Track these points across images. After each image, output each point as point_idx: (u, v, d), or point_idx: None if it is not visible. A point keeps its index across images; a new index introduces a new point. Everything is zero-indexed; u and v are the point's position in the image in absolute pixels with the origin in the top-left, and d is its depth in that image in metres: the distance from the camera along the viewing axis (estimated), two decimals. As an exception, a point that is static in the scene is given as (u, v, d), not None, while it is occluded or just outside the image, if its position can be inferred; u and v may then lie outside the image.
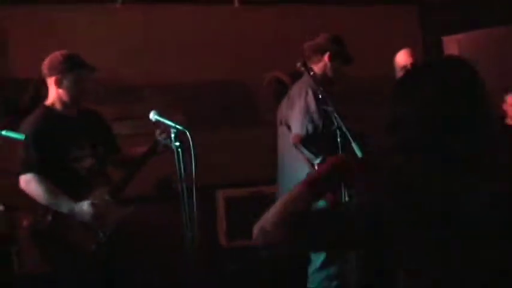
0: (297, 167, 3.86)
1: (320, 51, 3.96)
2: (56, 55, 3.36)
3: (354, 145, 3.21)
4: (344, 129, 3.24)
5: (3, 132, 2.93)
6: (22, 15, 4.77)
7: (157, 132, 3.44)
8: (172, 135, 3.20)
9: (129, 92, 5.13)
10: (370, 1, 6.01)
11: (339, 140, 3.28)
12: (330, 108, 3.31)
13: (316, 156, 3.71)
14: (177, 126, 3.20)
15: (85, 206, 3.26)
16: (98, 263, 3.33)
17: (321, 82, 3.55)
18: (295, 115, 3.80)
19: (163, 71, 5.20)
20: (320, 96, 3.42)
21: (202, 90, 5.33)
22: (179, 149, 3.18)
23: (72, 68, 3.33)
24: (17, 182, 3.30)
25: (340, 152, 3.29)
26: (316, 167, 3.72)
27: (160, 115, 3.29)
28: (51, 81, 3.36)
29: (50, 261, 3.38)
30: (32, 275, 4.00)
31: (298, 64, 3.55)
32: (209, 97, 5.36)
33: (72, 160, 3.35)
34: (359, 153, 3.20)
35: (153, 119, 3.31)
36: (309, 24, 5.55)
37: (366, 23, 5.93)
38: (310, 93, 3.75)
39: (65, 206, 3.25)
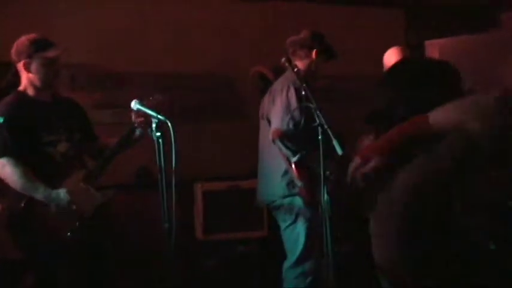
0: (275, 163, 3.89)
1: (306, 47, 3.98)
2: (22, 40, 3.31)
3: (334, 143, 3.22)
4: (325, 126, 3.25)
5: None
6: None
7: (133, 119, 3.40)
8: (154, 125, 3.16)
9: (112, 80, 5.12)
10: (360, 2, 6.07)
11: (320, 137, 3.28)
12: (312, 105, 3.32)
13: (294, 153, 3.74)
14: (159, 117, 3.17)
15: (61, 193, 3.24)
16: (73, 250, 3.31)
17: (305, 78, 3.55)
18: (276, 110, 3.81)
19: (148, 59, 5.20)
20: (303, 93, 3.43)
21: (187, 81, 5.33)
22: (159, 140, 3.15)
23: (38, 50, 3.27)
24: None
25: (320, 150, 3.28)
26: (292, 165, 3.75)
27: (142, 104, 3.26)
28: (20, 66, 3.32)
29: (22, 247, 3.35)
30: (5, 260, 3.95)
31: (283, 60, 3.57)
32: (194, 88, 5.35)
33: (46, 144, 3.31)
34: (339, 151, 3.21)
35: (135, 108, 3.28)
36: (298, 21, 5.55)
37: (354, 23, 5.99)
38: (292, 89, 3.77)
39: (41, 192, 3.22)
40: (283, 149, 3.77)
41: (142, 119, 3.34)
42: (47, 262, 3.27)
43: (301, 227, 3.87)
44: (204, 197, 5.07)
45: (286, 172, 3.87)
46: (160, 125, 3.15)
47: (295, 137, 3.73)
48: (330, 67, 5.54)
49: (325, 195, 3.34)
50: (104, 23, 5.05)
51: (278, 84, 3.95)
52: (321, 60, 4.02)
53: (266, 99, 4.03)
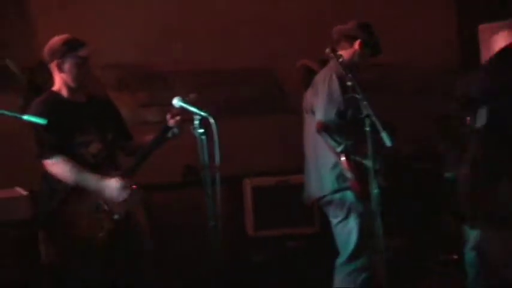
0: (323, 156, 3.78)
1: (350, 38, 3.85)
2: (55, 40, 3.34)
3: (383, 135, 3.11)
4: (373, 118, 3.14)
5: (25, 117, 2.92)
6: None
7: (168, 118, 3.39)
8: (196, 122, 3.13)
9: (157, 79, 5.11)
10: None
11: (367, 129, 3.17)
12: (358, 96, 3.21)
13: (339, 144, 3.61)
14: (202, 113, 3.13)
15: (112, 181, 3.26)
16: (103, 250, 3.31)
17: (350, 68, 3.44)
18: (319, 101, 3.70)
19: (192, 56, 5.17)
20: (348, 83, 3.31)
21: (233, 77, 5.29)
22: (202, 136, 3.11)
23: (71, 50, 3.29)
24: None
25: (369, 142, 3.18)
26: (341, 157, 3.63)
27: (184, 101, 3.23)
28: (53, 67, 3.34)
29: (55, 246, 3.42)
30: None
31: (327, 50, 3.47)
32: (240, 83, 5.30)
33: (78, 145, 3.32)
34: (388, 143, 3.10)
35: (177, 105, 3.26)
36: (341, 11, 5.47)
37: (402, 10, 5.81)
38: (334, 78, 3.65)
39: (93, 181, 3.25)
40: (330, 140, 3.64)
41: (178, 118, 3.34)
42: (78, 261, 3.29)
43: (353, 223, 3.75)
44: (254, 193, 5.02)
45: (335, 165, 3.73)
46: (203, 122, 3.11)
47: (342, 128, 3.61)
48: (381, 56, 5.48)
49: (376, 189, 3.23)
50: (146, 21, 5.04)
51: (321, 75, 3.84)
52: (366, 53, 3.86)
53: (309, 91, 3.93)
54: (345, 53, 3.75)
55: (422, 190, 5.27)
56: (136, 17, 5.02)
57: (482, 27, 5.82)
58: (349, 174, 3.64)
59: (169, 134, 3.42)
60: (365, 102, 3.19)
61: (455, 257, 4.95)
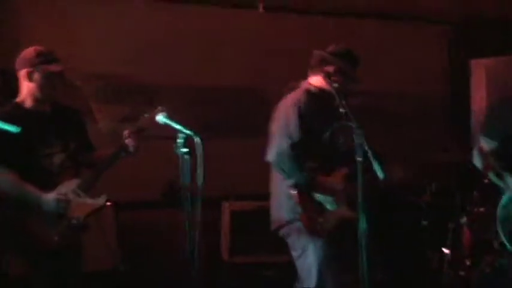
0: (280, 182, 3.61)
1: (325, 63, 3.64)
2: (29, 49, 3.32)
3: (375, 166, 2.99)
4: (366, 147, 3.01)
5: (-2, 123, 2.79)
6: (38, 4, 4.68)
7: (125, 135, 3.39)
8: (181, 141, 2.99)
9: (140, 93, 4.98)
10: (400, 16, 5.83)
11: (359, 159, 3.04)
12: (352, 124, 3.08)
13: (290, 176, 3.47)
14: (186, 131, 3.01)
15: (50, 197, 3.20)
16: (55, 256, 3.24)
17: (343, 95, 3.30)
18: (275, 130, 3.57)
19: (177, 72, 5.06)
20: (341, 110, 3.19)
21: (216, 96, 5.17)
22: (186, 156, 2.97)
23: (43, 62, 3.27)
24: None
25: (359, 173, 3.05)
26: (290, 188, 3.48)
27: (168, 118, 3.10)
28: (22, 75, 3.30)
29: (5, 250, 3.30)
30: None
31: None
32: (222, 103, 5.19)
33: (42, 157, 3.28)
34: (381, 175, 2.98)
35: (161, 122, 3.12)
36: (333, 36, 5.38)
37: (394, 38, 5.76)
38: (294, 108, 3.50)
39: (32, 195, 3.19)
40: (280, 171, 3.50)
41: (135, 142, 3.35)
42: (27, 266, 3.22)
43: (311, 258, 3.53)
44: (232, 217, 4.85)
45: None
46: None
47: (295, 159, 3.43)
48: (370, 84, 5.40)
49: (363, 224, 3.11)
50: (133, 34, 4.94)
51: (285, 101, 3.65)
52: (340, 80, 3.58)
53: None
54: (317, 79, 3.62)
55: (408, 224, 5.18)
56: (123, 29, 4.92)
57: (475, 62, 5.81)
58: (298, 208, 3.47)
59: (123, 154, 3.41)
60: (359, 131, 3.07)
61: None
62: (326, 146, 3.52)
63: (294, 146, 3.42)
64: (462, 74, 5.95)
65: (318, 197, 3.46)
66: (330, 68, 3.60)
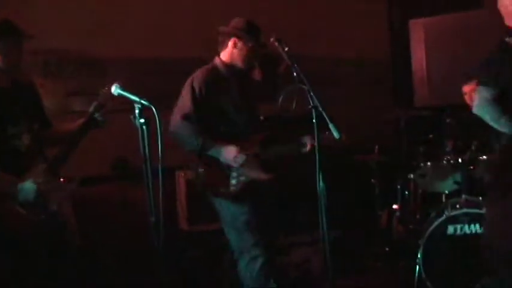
0: None
1: (226, 36, 3.84)
2: None
3: (330, 126, 3.06)
4: (320, 109, 3.07)
5: None
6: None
7: (93, 106, 3.32)
8: (137, 111, 2.95)
9: (89, 66, 4.88)
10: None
11: (314, 120, 3.10)
12: (305, 87, 3.14)
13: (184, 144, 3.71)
14: (142, 102, 2.96)
15: (27, 184, 3.08)
16: (36, 245, 3.15)
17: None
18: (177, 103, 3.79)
19: (124, 44, 4.97)
20: (294, 74, 3.24)
21: (167, 66, 5.10)
22: (144, 127, 2.94)
23: (6, 32, 3.17)
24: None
25: (316, 134, 3.12)
26: None
27: (123, 89, 3.05)
28: None
29: None
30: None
31: (272, 39, 3.38)
32: (174, 73, 5.11)
33: (11, 137, 3.16)
34: (336, 135, 3.05)
35: (115, 93, 3.07)
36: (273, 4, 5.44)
37: (335, 3, 5.82)
38: (189, 86, 3.75)
39: (6, 185, 3.07)
40: (176, 141, 3.71)
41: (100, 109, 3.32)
42: (7, 256, 3.11)
43: (223, 216, 3.82)
44: (187, 186, 4.85)
45: None
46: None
47: (185, 128, 3.67)
48: (311, 50, 5.46)
49: (321, 183, 3.17)
50: (80, 6, 4.82)
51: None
52: (245, 49, 3.80)
53: None
54: (224, 53, 3.82)
55: (357, 183, 5.31)
56: (71, 3, 4.80)
57: (413, 22, 5.92)
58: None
59: (93, 125, 3.35)
60: (311, 94, 3.12)
61: (386, 249, 5.04)
62: (237, 116, 3.77)
63: (185, 117, 3.64)
64: (401, 35, 6.08)
65: (224, 160, 3.67)
66: (233, 41, 3.78)
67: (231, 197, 3.69)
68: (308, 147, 3.73)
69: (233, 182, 3.70)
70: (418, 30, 5.89)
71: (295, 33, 5.13)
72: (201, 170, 3.73)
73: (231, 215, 3.75)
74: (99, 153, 4.68)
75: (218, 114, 3.75)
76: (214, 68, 3.83)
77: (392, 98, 6.17)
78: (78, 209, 4.46)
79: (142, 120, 2.93)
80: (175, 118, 3.68)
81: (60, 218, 3.28)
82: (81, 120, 3.38)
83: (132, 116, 3.01)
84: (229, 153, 3.65)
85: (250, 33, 3.80)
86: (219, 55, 3.85)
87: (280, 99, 3.50)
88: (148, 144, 2.91)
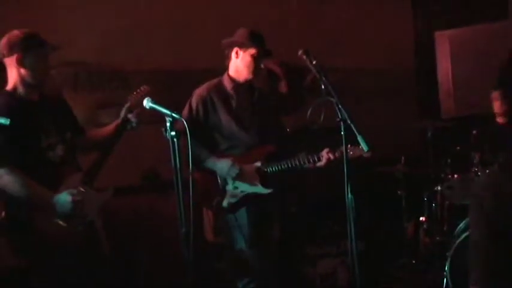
0: None
1: (228, 47, 3.84)
2: (15, 33, 3.14)
3: (359, 138, 3.06)
4: (349, 122, 3.08)
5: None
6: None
7: (124, 111, 3.44)
8: (168, 124, 3.00)
9: (116, 78, 4.93)
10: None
11: (342, 133, 3.11)
12: (333, 99, 3.14)
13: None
14: (173, 115, 3.01)
15: (62, 196, 3.09)
16: (76, 255, 3.16)
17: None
18: None
19: (151, 57, 5.01)
20: (322, 86, 3.24)
21: (191, 78, 5.13)
22: (174, 139, 2.99)
23: (33, 45, 3.13)
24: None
25: (344, 145, 3.13)
26: None
27: (154, 102, 3.10)
28: (11, 61, 3.13)
29: (24, 255, 3.21)
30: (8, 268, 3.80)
31: (300, 52, 3.36)
32: (198, 85, 5.19)
33: (45, 148, 3.16)
34: (365, 147, 3.05)
35: (147, 107, 3.12)
36: (302, 13, 5.46)
37: (358, 14, 5.83)
38: (192, 98, 3.81)
39: (43, 198, 3.08)
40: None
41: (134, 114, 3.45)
42: (50, 269, 3.13)
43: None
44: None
45: None
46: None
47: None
48: (338, 61, 5.47)
49: (349, 195, 3.17)
50: (108, 20, 4.86)
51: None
52: (248, 59, 3.79)
53: None
54: (230, 66, 3.83)
55: (383, 194, 5.29)
56: (98, 14, 4.85)
57: (438, 34, 5.92)
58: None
59: (127, 127, 3.47)
60: (340, 106, 3.13)
61: (413, 261, 5.02)
62: (241, 132, 3.76)
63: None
64: (426, 46, 6.07)
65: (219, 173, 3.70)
66: (235, 51, 3.78)
67: (225, 210, 3.72)
68: (324, 162, 3.70)
69: (228, 193, 3.73)
70: (443, 42, 5.89)
71: (319, 44, 5.15)
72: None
73: (230, 225, 3.78)
74: (130, 165, 4.72)
75: (217, 131, 3.78)
76: (219, 83, 3.84)
77: (418, 109, 6.14)
78: (108, 219, 4.57)
79: (173, 133, 2.99)
80: None
81: (96, 227, 3.33)
82: (114, 124, 3.46)
83: (163, 129, 3.07)
84: (223, 167, 3.68)
85: (252, 40, 3.76)
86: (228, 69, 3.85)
87: (309, 112, 3.49)
88: (179, 156, 2.97)
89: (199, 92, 3.81)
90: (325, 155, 3.69)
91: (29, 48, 3.12)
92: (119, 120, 3.47)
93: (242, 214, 3.76)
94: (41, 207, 3.07)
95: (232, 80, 3.84)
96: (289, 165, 3.73)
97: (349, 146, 3.28)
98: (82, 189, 3.19)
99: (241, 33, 3.82)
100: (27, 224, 3.08)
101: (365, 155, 3.47)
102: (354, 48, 5.78)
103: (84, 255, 3.18)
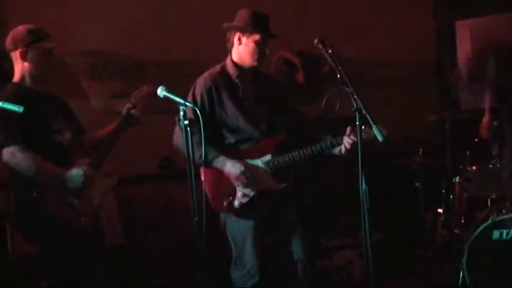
0: None
1: (232, 33, 3.58)
2: (19, 28, 3.29)
3: (374, 128, 3.02)
4: (364, 112, 3.04)
5: (0, 104, 2.77)
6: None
7: (125, 108, 3.46)
8: (181, 113, 3.00)
9: (133, 69, 4.93)
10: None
11: (357, 123, 3.07)
12: (349, 89, 3.10)
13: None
14: (187, 104, 3.00)
15: (74, 171, 3.18)
16: (85, 237, 3.23)
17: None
18: None
19: (167, 47, 5.00)
20: (338, 76, 3.19)
21: (208, 68, 5.14)
22: (188, 128, 2.98)
23: (36, 40, 3.26)
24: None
25: (359, 137, 3.09)
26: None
27: (168, 91, 3.09)
28: (16, 55, 3.28)
29: (35, 240, 3.28)
30: (24, 255, 3.84)
31: (316, 41, 3.31)
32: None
33: (55, 132, 3.29)
34: (380, 138, 3.02)
35: (161, 95, 3.11)
36: (320, 3, 5.43)
37: (378, 3, 5.78)
38: (194, 92, 3.56)
39: (54, 174, 3.17)
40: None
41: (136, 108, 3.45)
42: (63, 251, 3.18)
43: (229, 230, 3.58)
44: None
45: None
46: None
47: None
48: (354, 52, 5.42)
49: (363, 186, 3.13)
50: (125, 10, 4.87)
51: None
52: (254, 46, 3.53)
53: None
54: (233, 51, 3.59)
55: (401, 186, 5.25)
56: (116, 4, 4.85)
57: (459, 24, 5.85)
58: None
59: (129, 124, 3.49)
60: (355, 96, 3.09)
61: (430, 253, 4.98)
62: (247, 122, 3.53)
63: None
64: (447, 36, 6.01)
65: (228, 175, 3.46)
66: (238, 36, 3.54)
67: (235, 212, 3.49)
68: (344, 148, 3.46)
69: (239, 193, 3.47)
70: (464, 32, 5.82)
71: (338, 34, 5.12)
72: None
73: (234, 227, 3.55)
74: (146, 153, 4.75)
75: (222, 122, 3.54)
76: (222, 70, 3.59)
77: (438, 100, 6.08)
78: (124, 208, 4.61)
79: (186, 122, 2.98)
80: (176, 129, 3.48)
81: (101, 221, 3.40)
82: (114, 124, 3.48)
83: (176, 118, 3.06)
84: (232, 174, 3.44)
85: (255, 25, 3.52)
86: (230, 54, 3.60)
87: (324, 102, 3.45)
88: (192, 145, 2.96)
89: (203, 82, 3.56)
90: (347, 138, 3.44)
91: (31, 43, 3.24)
92: (119, 119, 3.48)
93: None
94: (51, 186, 3.14)
95: (236, 66, 3.57)
96: (302, 155, 3.51)
97: (364, 128, 3.09)
98: (90, 172, 3.24)
99: (242, 16, 3.58)
100: (37, 210, 3.14)
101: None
102: (374, 39, 5.72)
103: (88, 245, 3.25)
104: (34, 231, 3.20)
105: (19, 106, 2.77)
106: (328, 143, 3.51)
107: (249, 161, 3.52)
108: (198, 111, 3.02)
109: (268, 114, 3.62)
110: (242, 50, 3.55)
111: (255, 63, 3.57)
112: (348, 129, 3.42)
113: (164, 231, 4.72)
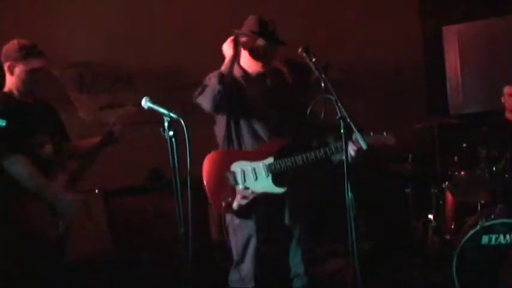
0: None
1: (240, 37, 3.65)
2: (13, 42, 3.29)
3: (357, 136, 3.04)
4: (348, 120, 3.05)
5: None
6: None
7: (112, 123, 3.51)
8: (166, 124, 2.99)
9: (120, 80, 4.94)
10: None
11: (342, 131, 3.08)
12: (332, 97, 3.11)
13: None
14: (171, 115, 3.00)
15: (70, 196, 3.23)
16: (58, 251, 3.31)
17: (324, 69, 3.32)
18: None
19: (155, 57, 5.03)
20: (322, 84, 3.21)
21: (197, 78, 5.13)
22: (172, 139, 2.98)
23: (24, 57, 3.24)
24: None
25: (343, 144, 3.10)
26: None
27: (153, 102, 3.09)
28: (5, 68, 3.30)
29: (9, 253, 3.26)
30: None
31: (299, 49, 3.33)
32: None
33: (36, 146, 3.29)
34: (363, 145, 3.03)
35: (146, 107, 3.10)
36: (303, 9, 5.44)
37: (365, 10, 5.79)
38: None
39: (48, 191, 3.20)
40: None
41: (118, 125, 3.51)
42: (27, 260, 3.20)
43: (233, 233, 3.69)
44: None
45: None
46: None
47: None
48: (341, 58, 5.43)
49: (349, 193, 3.14)
50: (112, 22, 4.90)
51: None
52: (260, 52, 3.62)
53: None
54: (242, 59, 3.65)
55: (391, 192, 5.25)
56: (103, 15, 4.89)
57: (446, 29, 5.87)
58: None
59: (111, 141, 3.54)
60: (339, 104, 3.10)
61: (421, 260, 4.97)
62: (256, 124, 3.60)
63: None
64: (435, 41, 6.02)
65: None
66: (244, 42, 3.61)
67: (235, 213, 3.55)
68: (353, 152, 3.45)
69: (239, 194, 3.53)
70: (451, 37, 5.84)
71: (326, 41, 5.13)
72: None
73: (238, 232, 3.63)
74: (134, 165, 4.75)
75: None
76: (231, 73, 3.62)
77: (426, 106, 6.10)
78: (113, 220, 4.60)
79: (171, 133, 2.98)
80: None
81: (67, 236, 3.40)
82: (98, 138, 3.53)
83: (161, 129, 3.06)
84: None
85: (259, 32, 3.59)
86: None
87: (308, 110, 3.46)
88: (182, 157, 2.96)
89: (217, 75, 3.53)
90: (351, 145, 3.44)
91: (19, 60, 3.24)
92: (102, 135, 3.53)
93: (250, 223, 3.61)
94: (40, 199, 3.18)
95: (242, 70, 3.67)
96: (305, 160, 3.52)
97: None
98: (67, 189, 3.29)
99: (249, 22, 3.66)
100: (15, 221, 3.17)
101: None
102: (362, 45, 5.74)
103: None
104: (8, 244, 3.20)
105: (2, 120, 2.79)
106: (333, 149, 3.52)
107: (251, 163, 3.57)
108: (183, 122, 3.02)
109: (273, 115, 3.65)
110: (248, 55, 3.63)
111: (261, 70, 3.65)
112: (354, 135, 3.37)
113: (152, 241, 4.71)
